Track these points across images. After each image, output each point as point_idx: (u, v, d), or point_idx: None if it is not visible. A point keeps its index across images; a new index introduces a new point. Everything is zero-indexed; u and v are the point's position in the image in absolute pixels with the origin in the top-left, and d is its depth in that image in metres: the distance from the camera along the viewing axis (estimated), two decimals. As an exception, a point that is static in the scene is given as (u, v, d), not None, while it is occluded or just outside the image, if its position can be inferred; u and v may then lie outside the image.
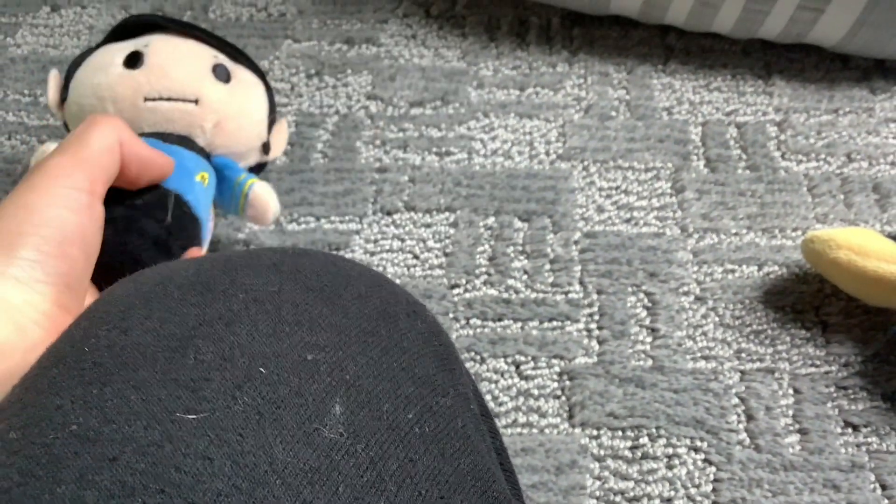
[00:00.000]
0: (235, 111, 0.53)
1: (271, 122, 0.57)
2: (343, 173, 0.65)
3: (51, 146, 0.52)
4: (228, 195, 0.53)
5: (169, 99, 0.51)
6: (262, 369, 0.24)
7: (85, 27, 0.78)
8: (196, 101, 0.51)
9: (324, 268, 0.29)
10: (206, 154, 0.52)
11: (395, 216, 0.63)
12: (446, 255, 0.60)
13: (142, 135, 0.50)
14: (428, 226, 0.62)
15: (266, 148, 0.56)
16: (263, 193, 0.53)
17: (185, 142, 0.51)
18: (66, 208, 0.32)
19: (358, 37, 0.76)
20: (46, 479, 0.20)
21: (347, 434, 0.23)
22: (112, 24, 0.77)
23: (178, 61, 0.52)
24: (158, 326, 0.25)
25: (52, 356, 0.26)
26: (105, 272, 0.35)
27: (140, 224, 0.42)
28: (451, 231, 0.62)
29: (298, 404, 0.23)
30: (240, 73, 0.55)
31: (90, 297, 0.35)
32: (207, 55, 0.54)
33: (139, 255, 0.42)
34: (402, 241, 0.61)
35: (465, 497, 0.24)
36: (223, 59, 0.55)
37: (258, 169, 0.58)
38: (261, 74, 0.57)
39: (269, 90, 0.57)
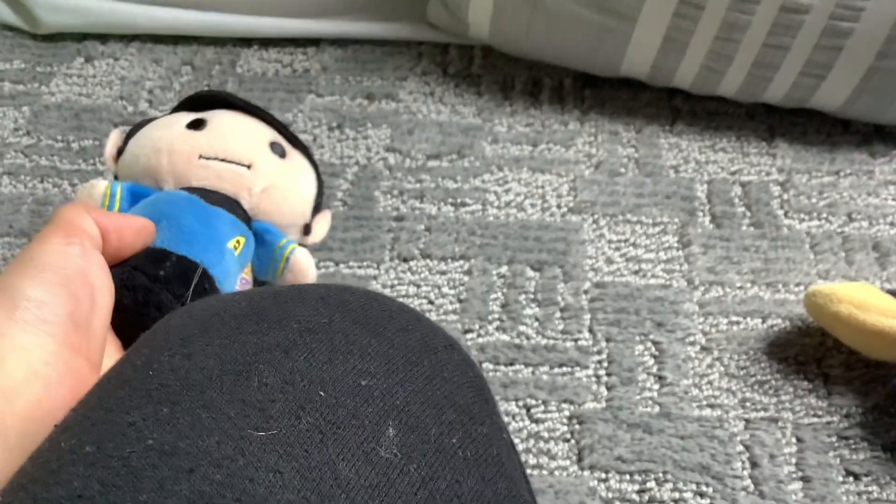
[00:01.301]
0: (285, 182, 0.54)
1: (317, 208, 0.58)
2: (362, 221, 0.68)
3: (100, 183, 0.53)
4: (267, 259, 0.53)
5: (224, 160, 0.52)
6: (321, 392, 0.25)
7: (117, 78, 0.82)
8: (249, 167, 0.53)
9: (367, 302, 0.31)
10: (247, 218, 0.53)
11: (412, 263, 0.65)
12: (460, 301, 0.63)
13: (188, 189, 0.51)
14: (443, 273, 0.64)
15: (307, 230, 0.57)
16: (304, 259, 0.53)
17: (229, 203, 0.51)
18: (62, 255, 0.33)
19: (378, 93, 0.80)
20: (127, 489, 0.22)
21: (401, 455, 0.25)
22: (143, 76, 0.81)
23: (238, 130, 0.54)
24: (220, 352, 0.27)
25: (114, 380, 0.28)
26: (126, 337, 0.36)
27: (159, 298, 0.42)
28: (466, 278, 0.64)
29: (356, 425, 0.25)
30: (295, 154, 0.57)
31: (113, 349, 0.36)
32: (267, 132, 0.56)
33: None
34: (418, 286, 0.63)
35: None
36: (281, 139, 0.56)
37: None
38: (314, 164, 0.59)
39: (320, 179, 0.59)
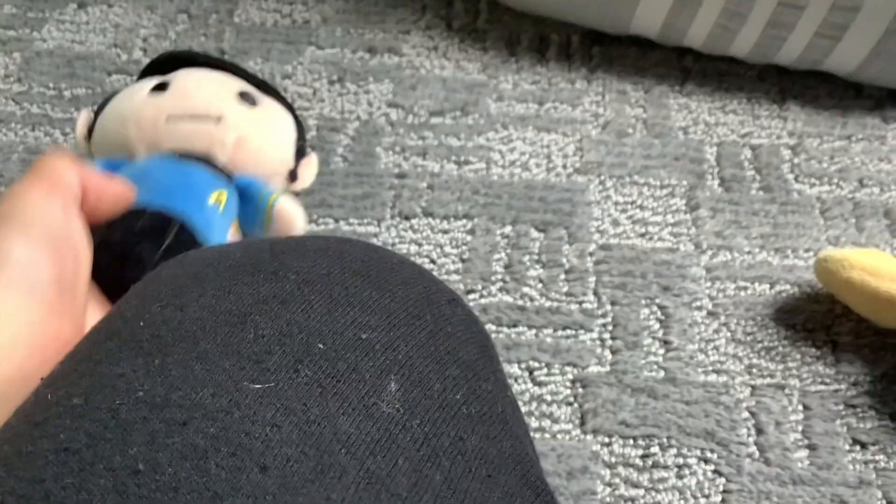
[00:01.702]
0: (258, 130, 0.52)
1: (300, 152, 0.56)
2: (362, 177, 0.66)
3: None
4: (252, 212, 0.51)
5: (192, 117, 0.51)
6: (320, 345, 0.24)
7: (111, 25, 0.79)
8: (218, 120, 0.51)
9: (367, 254, 0.30)
10: (226, 174, 0.51)
11: (413, 221, 0.64)
12: (463, 261, 0.61)
13: (161, 154, 0.50)
14: (445, 232, 0.63)
15: (293, 176, 0.55)
16: (289, 207, 0.51)
17: (203, 161, 0.50)
18: (45, 212, 0.32)
19: (380, 46, 0.78)
20: (116, 442, 0.21)
21: (403, 410, 0.24)
22: (138, 23, 0.78)
23: (203, 85, 0.52)
24: (214, 303, 0.26)
25: (104, 332, 0.26)
26: (108, 295, 0.35)
27: (137, 249, 0.41)
28: (469, 238, 0.63)
29: (357, 379, 0.24)
30: (267, 101, 0.55)
31: (96, 307, 0.35)
32: (235, 83, 0.54)
33: (137, 280, 0.42)
34: (420, 245, 0.62)
35: (508, 477, 0.25)
36: (251, 88, 0.55)
37: None
38: (290, 108, 0.57)
39: (299, 123, 0.57)
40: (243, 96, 0.53)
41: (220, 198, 0.48)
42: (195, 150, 0.50)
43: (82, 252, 0.33)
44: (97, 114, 0.54)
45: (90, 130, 0.54)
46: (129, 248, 0.40)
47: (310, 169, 0.57)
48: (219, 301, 0.26)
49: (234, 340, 0.24)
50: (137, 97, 0.52)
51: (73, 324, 0.31)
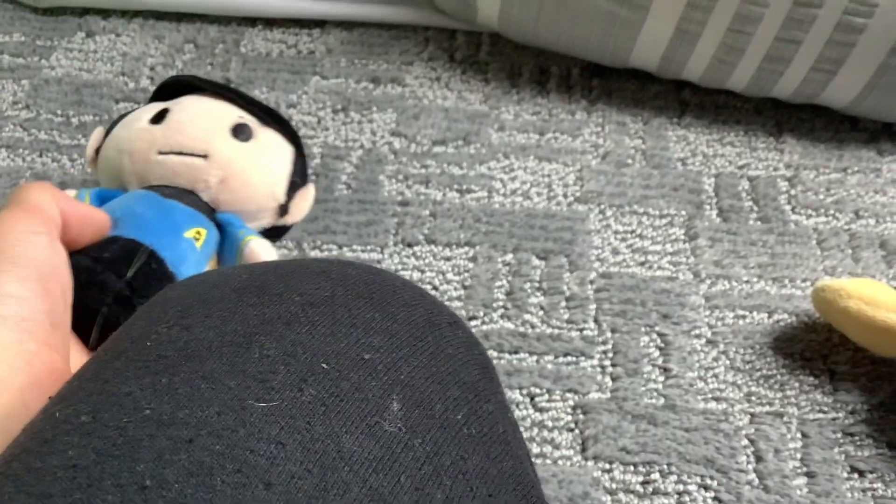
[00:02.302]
0: (244, 168, 0.52)
1: (293, 186, 0.56)
2: (366, 205, 0.67)
3: (69, 192, 0.53)
4: (230, 252, 0.51)
5: (180, 153, 0.51)
6: (324, 365, 0.25)
7: (119, 54, 0.81)
8: (205, 156, 0.51)
9: (370, 277, 0.31)
10: (209, 210, 0.51)
11: (416, 248, 0.64)
12: (465, 287, 0.62)
13: (147, 188, 0.50)
14: (448, 259, 0.64)
15: (283, 210, 0.55)
16: (258, 250, 0.50)
17: (186, 196, 0.50)
18: (33, 246, 0.32)
19: (384, 76, 0.79)
20: (124, 459, 0.21)
21: (405, 429, 0.24)
22: (145, 52, 0.80)
23: (196, 118, 0.53)
24: (220, 324, 0.26)
25: (111, 352, 0.27)
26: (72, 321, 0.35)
27: (101, 277, 0.40)
28: (470, 265, 0.63)
29: (360, 399, 0.24)
30: (264, 134, 0.55)
31: (74, 347, 0.35)
32: (232, 114, 0.54)
33: (99, 308, 0.40)
34: (422, 272, 0.63)
35: (509, 497, 0.25)
36: (249, 119, 0.55)
37: (276, 232, 0.57)
38: (294, 139, 0.57)
39: (302, 156, 0.58)
40: (237, 130, 0.53)
41: (198, 233, 0.48)
42: (180, 185, 0.51)
43: (67, 286, 0.34)
44: (107, 132, 0.55)
45: (98, 150, 0.55)
46: (94, 276, 0.40)
47: (303, 203, 0.57)
48: (224, 322, 0.26)
49: (240, 360, 0.25)
50: (136, 126, 0.53)
51: (64, 357, 0.32)
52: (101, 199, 0.52)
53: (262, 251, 0.50)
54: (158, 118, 0.53)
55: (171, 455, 0.21)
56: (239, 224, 0.52)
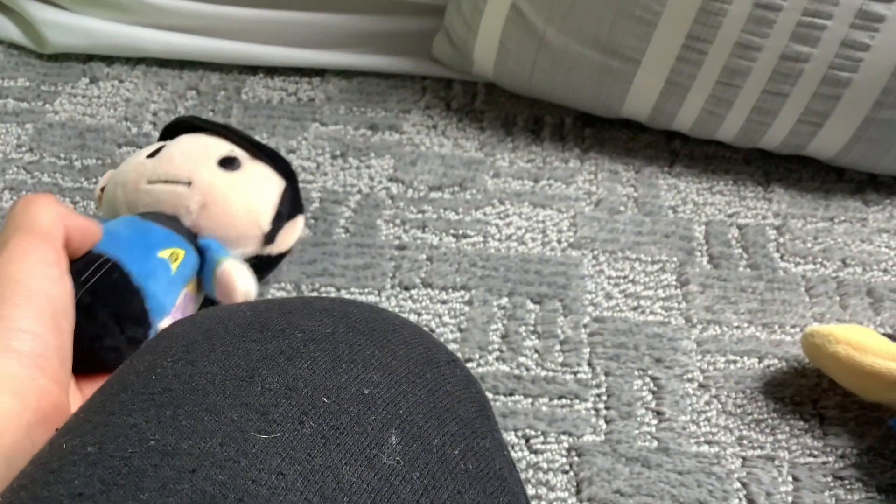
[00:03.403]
0: (225, 195, 0.54)
1: (280, 217, 0.57)
2: (364, 248, 0.68)
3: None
4: (209, 275, 0.52)
5: (166, 182, 0.54)
6: (324, 399, 0.26)
7: (122, 99, 0.82)
8: (188, 184, 0.53)
9: (370, 315, 0.31)
10: (191, 236, 0.53)
11: (413, 291, 0.65)
12: (461, 330, 0.63)
13: (137, 214, 0.52)
14: (444, 302, 0.65)
15: (269, 239, 0.56)
16: (230, 270, 0.51)
17: (166, 220, 0.52)
18: (46, 281, 0.33)
19: (382, 124, 0.81)
20: (129, 488, 0.22)
21: (404, 462, 0.25)
22: (148, 98, 0.81)
23: (188, 151, 0.55)
24: (224, 359, 0.27)
25: (117, 385, 0.28)
26: None
27: None
28: (466, 308, 0.64)
29: (359, 432, 0.25)
30: (252, 167, 0.57)
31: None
32: (222, 148, 0.56)
33: None
34: (419, 315, 0.64)
35: None
36: (240, 153, 0.57)
37: (264, 263, 0.58)
38: (287, 174, 0.58)
39: (294, 189, 0.59)
40: (224, 162, 0.55)
41: (175, 254, 0.49)
42: (164, 211, 0.53)
43: (73, 321, 0.35)
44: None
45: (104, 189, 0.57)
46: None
47: (291, 233, 0.58)
48: (228, 356, 0.27)
49: (242, 393, 0.25)
50: (133, 161, 0.56)
51: (66, 393, 0.33)
52: None
53: (235, 272, 0.51)
54: (154, 153, 0.56)
55: (174, 485, 0.22)
56: (217, 247, 0.53)
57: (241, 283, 0.51)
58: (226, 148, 0.57)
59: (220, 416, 0.24)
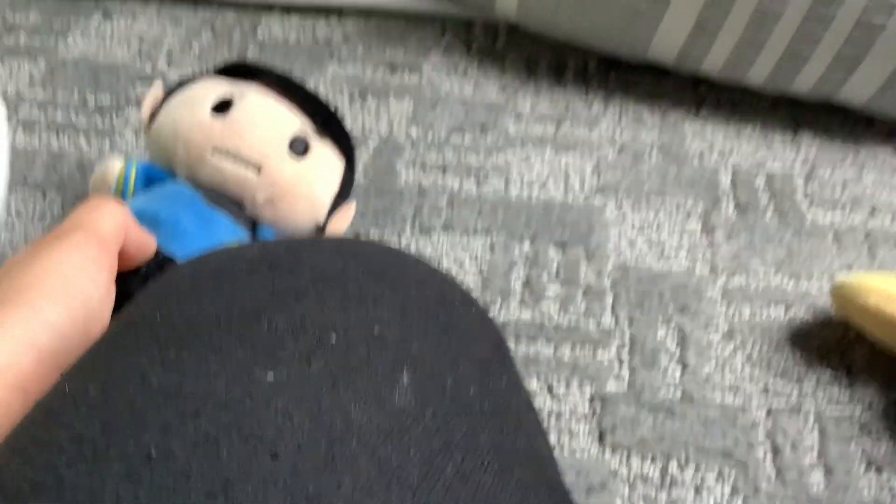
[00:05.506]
0: (293, 191, 0.53)
1: (336, 205, 0.56)
2: (383, 192, 0.67)
3: (114, 165, 0.53)
4: None
5: (235, 158, 0.51)
6: (333, 338, 0.25)
7: (135, 36, 0.80)
8: (258, 170, 0.52)
9: (382, 254, 0.30)
10: (250, 223, 0.52)
11: (433, 236, 0.64)
12: (482, 276, 0.62)
13: (196, 183, 0.51)
14: (464, 247, 0.64)
15: (321, 229, 0.56)
16: None
17: (231, 205, 0.51)
18: (91, 282, 0.32)
19: (401, 65, 0.79)
20: (130, 430, 0.21)
21: (416, 402, 0.24)
22: (162, 36, 0.79)
23: (257, 123, 0.52)
24: (230, 298, 0.26)
25: (122, 325, 0.27)
26: None
27: (134, 291, 0.41)
28: (487, 254, 0.63)
29: (369, 372, 0.24)
30: (319, 149, 0.55)
31: None
32: (293, 124, 0.54)
33: None
34: (439, 260, 0.63)
35: (522, 473, 0.25)
36: (308, 130, 0.54)
37: None
38: (348, 149, 0.57)
39: (351, 168, 0.57)
40: (294, 144, 0.53)
41: None
42: (228, 193, 0.51)
43: (104, 330, 0.34)
44: (168, 95, 0.54)
45: (155, 113, 0.54)
46: (128, 288, 0.40)
47: (343, 221, 0.57)
48: (234, 295, 0.26)
49: (248, 333, 0.24)
50: (198, 113, 0.52)
51: None
52: (148, 176, 0.53)
53: None
54: (221, 107, 0.53)
55: (177, 426, 0.21)
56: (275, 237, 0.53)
57: None
58: (296, 124, 0.54)
59: (224, 357, 0.24)
